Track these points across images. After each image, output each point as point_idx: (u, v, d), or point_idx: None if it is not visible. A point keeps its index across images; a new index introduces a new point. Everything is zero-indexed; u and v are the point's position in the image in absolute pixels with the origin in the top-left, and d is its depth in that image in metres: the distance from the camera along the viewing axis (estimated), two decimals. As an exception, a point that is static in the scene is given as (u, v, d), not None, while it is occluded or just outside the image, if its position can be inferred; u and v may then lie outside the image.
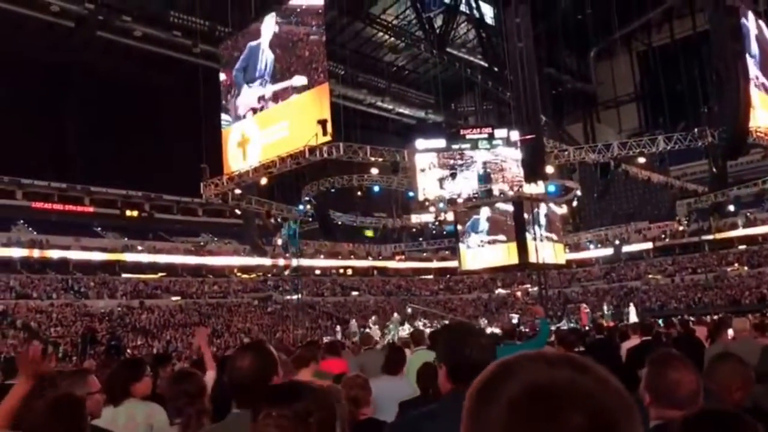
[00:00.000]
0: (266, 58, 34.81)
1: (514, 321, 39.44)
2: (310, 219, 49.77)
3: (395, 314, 43.74)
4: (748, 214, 59.45)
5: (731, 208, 55.49)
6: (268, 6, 35.59)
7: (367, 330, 37.42)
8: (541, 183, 39.27)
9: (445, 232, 57.95)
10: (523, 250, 39.00)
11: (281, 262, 62.22)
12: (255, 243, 53.45)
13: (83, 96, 56.14)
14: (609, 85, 74.63)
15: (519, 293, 62.72)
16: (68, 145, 56.89)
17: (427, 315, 48.17)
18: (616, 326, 19.16)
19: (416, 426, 2.98)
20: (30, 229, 57.15)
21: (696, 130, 36.58)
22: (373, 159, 38.06)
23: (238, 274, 64.51)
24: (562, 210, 46.10)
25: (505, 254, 41.29)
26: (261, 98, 35.14)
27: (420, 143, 44.54)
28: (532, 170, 33.41)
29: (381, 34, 68.14)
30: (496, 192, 42.30)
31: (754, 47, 33.02)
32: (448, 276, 70.94)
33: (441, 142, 45.01)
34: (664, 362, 3.20)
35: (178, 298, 55.88)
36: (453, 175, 41.91)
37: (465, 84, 66.93)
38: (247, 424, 2.22)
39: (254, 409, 2.28)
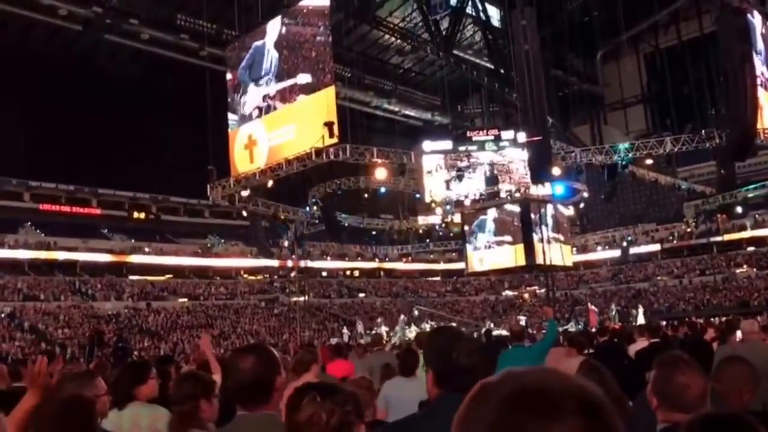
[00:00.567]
0: (271, 57, 34.87)
1: (522, 323, 39.34)
2: (317, 221, 49.74)
3: (402, 316, 43.76)
4: (757, 215, 59.26)
5: (739, 209, 55.32)
6: (275, 9, 35.64)
7: (375, 331, 37.52)
8: (548, 184, 39.25)
9: (451, 234, 57.95)
10: (530, 251, 39.03)
11: (288, 263, 62.22)
12: (262, 245, 53.46)
13: (91, 99, 56.17)
14: (616, 86, 74.58)
15: (527, 295, 62.66)
16: (76, 148, 56.87)
17: (434, 317, 48.17)
18: (623, 328, 19.14)
19: (415, 426, 2.96)
20: (37, 231, 57.22)
21: (703, 131, 36.52)
22: (379, 161, 38.04)
23: (245, 275, 64.55)
24: (569, 211, 46.09)
25: (512, 256, 41.33)
26: (266, 97, 35.18)
27: (427, 145, 44.56)
28: (539, 172, 33.32)
29: (387, 36, 68.14)
30: (503, 193, 42.30)
31: (761, 44, 32.94)
32: (455, 278, 70.86)
33: (448, 144, 45.04)
34: (671, 365, 3.18)
35: (185, 299, 55.93)
36: (460, 177, 41.90)
37: (471, 86, 66.88)
38: (253, 426, 2.23)
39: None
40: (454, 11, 58.70)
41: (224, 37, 48.44)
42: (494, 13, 62.92)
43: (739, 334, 9.67)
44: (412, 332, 36.96)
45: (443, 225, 51.05)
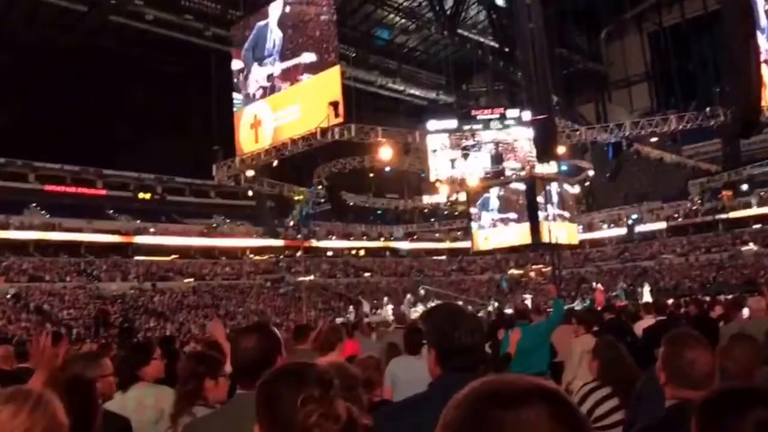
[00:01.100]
0: (274, 37, 34.87)
1: (528, 302, 39.37)
2: (323, 200, 49.75)
3: (408, 295, 43.82)
4: (762, 193, 59.10)
5: (745, 187, 55.23)
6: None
7: (379, 311, 37.57)
8: (553, 163, 39.21)
9: (457, 213, 57.95)
10: (535, 229, 39.03)
11: (294, 243, 62.31)
12: (268, 224, 53.55)
13: (96, 80, 56.11)
14: (620, 65, 74.27)
15: (532, 273, 62.66)
16: (81, 129, 56.83)
17: (440, 296, 48.20)
18: (628, 306, 19.14)
19: (416, 406, 2.95)
20: (42, 212, 57.26)
21: (708, 109, 36.48)
22: (384, 140, 38.02)
23: (251, 255, 64.56)
24: (575, 190, 46.06)
25: (517, 234, 41.35)
26: (270, 76, 35.20)
27: (431, 124, 44.60)
28: (544, 150, 33.30)
29: (392, 15, 67.89)
30: (508, 171, 42.30)
31: (764, 21, 32.84)
32: (460, 257, 70.84)
33: (452, 123, 45.07)
34: (680, 341, 3.18)
35: (191, 280, 55.99)
36: (465, 156, 41.92)
37: (476, 65, 66.73)
38: (251, 405, 2.20)
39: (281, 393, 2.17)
40: (458, -10, 58.49)
41: (229, 17, 48.26)
42: (499, -8, 62.69)
43: (746, 311, 9.65)
44: (417, 311, 37.06)
45: (448, 204, 51.03)
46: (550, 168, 40.32)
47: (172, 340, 9.12)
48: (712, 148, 58.60)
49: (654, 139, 42.81)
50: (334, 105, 30.71)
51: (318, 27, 33.24)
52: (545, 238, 38.93)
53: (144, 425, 4.47)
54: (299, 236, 58.03)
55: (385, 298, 45.00)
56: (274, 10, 34.92)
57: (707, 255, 58.50)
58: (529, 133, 39.21)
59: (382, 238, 72.65)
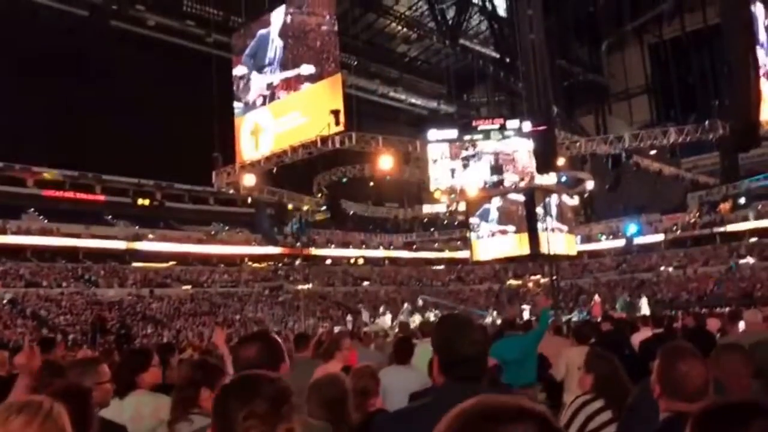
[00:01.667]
0: (276, 46, 34.92)
1: (526, 313, 39.39)
2: (322, 209, 49.76)
3: (405, 304, 43.81)
4: (760, 206, 59.17)
5: (743, 200, 55.32)
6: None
7: (376, 320, 37.54)
8: (552, 174, 39.24)
9: (456, 223, 57.96)
10: (534, 240, 39.00)
11: (292, 251, 62.32)
12: (266, 232, 53.55)
13: (96, 84, 56.12)
14: (621, 77, 74.52)
15: (531, 284, 62.67)
16: (80, 134, 56.83)
17: (438, 306, 48.18)
18: (626, 318, 19.15)
19: (416, 414, 2.96)
20: (41, 217, 57.19)
21: (707, 122, 36.62)
22: (384, 149, 38.06)
23: (249, 263, 64.56)
24: (574, 201, 46.07)
25: (516, 244, 41.34)
26: (270, 85, 35.26)
27: (432, 134, 44.68)
28: (544, 161, 33.28)
29: (394, 25, 68.08)
30: (507, 182, 42.34)
31: (763, 36, 32.95)
32: (459, 266, 70.85)
33: (453, 133, 45.15)
34: (674, 354, 3.20)
35: (189, 287, 55.98)
36: (465, 166, 41.99)
37: (477, 75, 66.90)
38: None
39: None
40: (460, 0, 58.60)
41: (231, 24, 48.44)
42: (500, 3, 62.93)
43: (742, 324, 9.67)
44: (415, 321, 37.03)
45: (448, 213, 51.07)
46: (549, 179, 40.36)
47: (170, 348, 9.07)
48: (711, 161, 58.70)
49: (653, 152, 42.89)
50: (335, 113, 30.74)
51: (319, 37, 33.30)
52: (544, 249, 38.93)
53: (141, 434, 4.47)
54: (298, 244, 58.03)
55: (382, 308, 45.02)
56: (276, 19, 34.97)
57: (705, 267, 58.55)
58: (529, 144, 39.25)
59: (381, 247, 72.64)
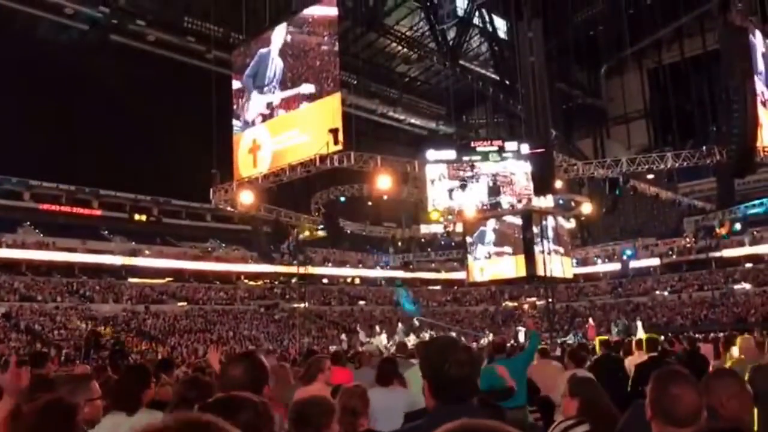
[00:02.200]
0: (276, 65, 34.99)
1: (521, 334, 39.35)
2: (319, 227, 49.71)
3: (399, 324, 43.78)
4: (755, 232, 59.26)
5: (738, 226, 55.40)
6: (283, 14, 35.73)
7: (371, 340, 37.47)
8: (549, 196, 39.33)
9: (453, 243, 57.95)
10: (530, 262, 39.02)
11: (289, 269, 62.24)
12: (263, 250, 53.45)
13: (94, 98, 56.12)
14: (619, 101, 74.78)
15: (526, 306, 62.63)
16: (77, 148, 56.83)
17: (433, 327, 48.14)
18: (622, 342, 19.13)
19: None
20: (36, 231, 57.02)
21: (704, 147, 36.76)
22: (383, 168, 38.11)
23: (245, 280, 64.45)
24: (570, 224, 46.10)
25: (512, 266, 41.34)
26: (269, 105, 35.30)
27: (431, 154, 44.78)
28: (542, 183, 33.40)
29: (394, 44, 68.33)
30: (504, 204, 42.40)
31: (761, 64, 33.10)
32: (455, 287, 70.79)
33: (451, 154, 45.25)
34: (667, 378, 3.20)
35: (184, 303, 55.84)
36: (463, 187, 42.03)
37: (476, 96, 66.98)
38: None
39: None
40: (461, 22, 58.92)
41: (231, 40, 48.46)
42: (501, 25, 63.33)
43: (735, 350, 9.66)
44: (410, 341, 36.95)
45: (445, 234, 51.06)
46: (546, 201, 40.45)
47: (169, 364, 9.04)
48: (707, 186, 58.89)
49: (650, 176, 43.01)
50: (334, 132, 30.77)
51: (319, 57, 33.40)
52: (540, 272, 38.93)
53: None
54: (294, 262, 57.95)
55: (377, 327, 44.96)
56: (277, 39, 35.06)
57: (699, 292, 58.63)
58: (527, 166, 39.38)
59: (378, 267, 72.55)
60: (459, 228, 46.18)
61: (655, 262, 65.42)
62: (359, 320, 57.88)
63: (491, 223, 42.76)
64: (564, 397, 5.13)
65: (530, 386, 9.16)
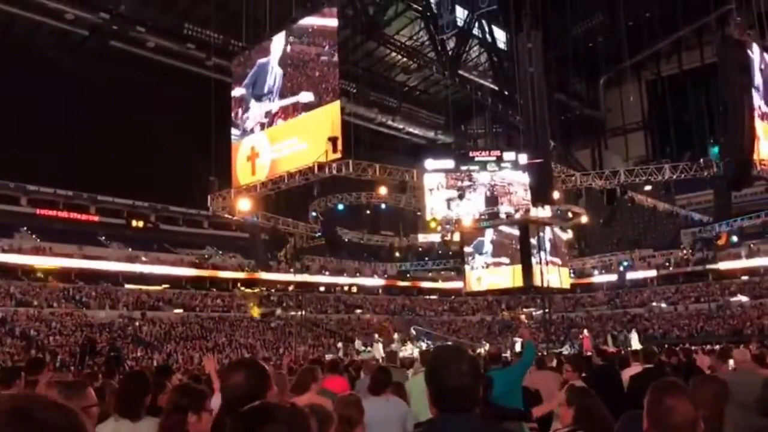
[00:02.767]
0: (275, 75, 35.00)
1: (518, 345, 39.35)
2: (317, 235, 49.69)
3: (395, 334, 43.73)
4: (752, 245, 59.34)
5: (734, 238, 55.53)
6: (283, 22, 35.74)
7: (369, 348, 37.48)
8: (547, 207, 39.35)
9: (450, 253, 57.97)
10: (528, 273, 39.06)
11: (285, 277, 62.21)
12: (260, 258, 53.44)
13: (93, 104, 56.11)
14: (617, 112, 75.06)
15: (523, 316, 62.61)
16: (76, 153, 56.82)
17: (430, 336, 48.10)
18: (619, 353, 19.17)
19: None
20: (33, 236, 56.94)
21: (702, 160, 36.91)
22: (381, 177, 38.16)
23: (242, 288, 64.36)
24: (568, 235, 46.14)
25: (510, 277, 41.37)
26: (268, 113, 35.29)
27: (429, 163, 44.82)
28: (540, 194, 33.41)
29: (394, 54, 68.43)
30: (502, 215, 42.43)
31: (758, 79, 33.17)
32: (452, 297, 70.77)
33: (450, 163, 45.31)
34: (663, 389, 3.22)
35: (181, 310, 55.74)
36: (461, 196, 42.08)
37: (475, 106, 67.06)
38: None
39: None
40: (460, 32, 58.94)
41: (231, 48, 48.42)
42: (500, 36, 63.51)
43: (731, 362, 9.68)
44: (406, 350, 36.93)
45: (443, 243, 51.07)
46: (544, 212, 40.49)
47: (167, 371, 9.02)
48: (705, 198, 59.05)
49: (648, 188, 43.09)
50: (333, 140, 30.77)
51: (318, 67, 33.41)
52: (537, 282, 38.96)
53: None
54: (291, 270, 57.91)
55: (376, 335, 44.91)
56: (276, 48, 35.06)
57: (696, 304, 58.68)
58: (524, 177, 39.42)
59: (375, 275, 72.54)
60: (456, 237, 46.20)
61: (652, 273, 65.46)
62: (356, 329, 57.86)
63: (489, 233, 42.81)
64: (561, 406, 5.16)
65: (529, 396, 9.17)
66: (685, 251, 63.57)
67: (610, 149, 76.51)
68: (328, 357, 28.36)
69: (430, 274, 73.08)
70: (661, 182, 41.05)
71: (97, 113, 56.12)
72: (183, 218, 69.08)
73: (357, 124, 52.83)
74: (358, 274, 71.89)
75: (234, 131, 37.64)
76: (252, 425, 2.13)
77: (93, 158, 56.45)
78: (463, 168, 44.45)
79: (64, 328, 46.64)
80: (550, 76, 44.46)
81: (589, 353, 23.17)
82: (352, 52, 56.08)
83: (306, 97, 33.26)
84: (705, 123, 57.55)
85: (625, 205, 50.25)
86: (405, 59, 69.04)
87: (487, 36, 63.44)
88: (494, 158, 44.62)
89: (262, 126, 35.71)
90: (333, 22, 33.25)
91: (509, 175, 43.79)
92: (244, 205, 37.13)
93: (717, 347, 20.64)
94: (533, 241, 39.40)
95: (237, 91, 37.85)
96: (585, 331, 46.13)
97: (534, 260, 39.05)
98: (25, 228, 57.53)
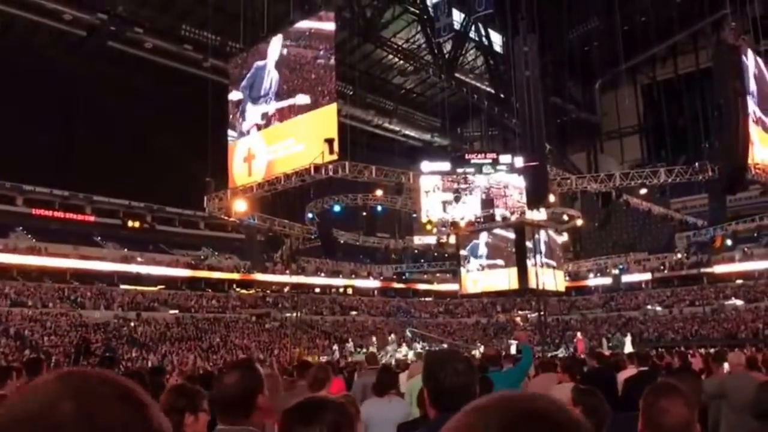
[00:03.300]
0: (272, 77, 34.99)
1: (513, 348, 39.40)
2: (313, 236, 49.71)
3: (391, 336, 43.78)
4: (746, 248, 59.48)
5: (729, 242, 55.67)
6: (280, 25, 35.77)
7: (372, 350, 37.53)
8: (543, 210, 39.45)
9: (446, 255, 58.02)
10: (523, 275, 39.11)
11: (281, 278, 62.23)
12: (256, 259, 53.41)
13: (90, 104, 56.14)
14: (613, 116, 75.14)
15: (518, 319, 62.67)
16: (73, 153, 56.83)
17: (426, 338, 48.17)
18: (613, 355, 19.28)
19: None
20: (29, 236, 56.81)
21: (697, 164, 36.97)
22: (378, 179, 38.23)
23: (237, 289, 64.32)
24: (563, 237, 46.23)
25: (505, 279, 41.40)
26: (264, 115, 35.29)
27: (425, 166, 44.89)
28: (535, 197, 33.47)
29: (391, 56, 68.48)
30: (497, 217, 42.50)
31: (753, 85, 33.25)
32: (448, 299, 70.78)
33: (446, 166, 45.36)
34: (658, 391, 3.29)
35: (176, 311, 55.68)
36: (457, 199, 42.16)
37: (471, 109, 67.10)
38: None
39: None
40: (457, 35, 59.03)
41: (228, 49, 48.40)
42: (497, 39, 63.62)
43: (726, 366, 9.76)
44: (401, 352, 37.02)
45: (438, 246, 51.12)
46: (539, 215, 40.59)
47: (161, 371, 9.09)
48: (699, 202, 59.20)
49: (643, 191, 43.18)
50: (330, 142, 30.81)
51: (314, 70, 33.40)
52: (532, 284, 39.03)
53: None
54: (287, 272, 57.90)
55: (374, 338, 45.00)
56: (273, 51, 35.05)
57: (690, 308, 58.76)
58: (520, 179, 39.50)
59: (371, 277, 72.54)
60: (452, 240, 46.27)
61: (647, 276, 65.56)
62: (351, 331, 57.87)
63: (484, 236, 42.86)
64: (567, 405, 5.21)
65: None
66: (679, 255, 63.73)
67: (605, 153, 76.65)
68: (324, 359, 28.44)
69: (425, 276, 73.15)
70: (656, 186, 41.16)
71: (94, 113, 56.15)
72: (179, 219, 69.06)
73: (353, 126, 52.75)
74: (353, 276, 71.90)
75: (230, 132, 37.62)
76: (309, 416, 2.32)
77: (89, 158, 56.38)
78: (459, 170, 44.48)
79: (59, 328, 46.50)
80: (546, 80, 44.62)
81: (582, 356, 23.24)
82: (348, 54, 56.10)
83: (302, 99, 33.27)
84: (700, 127, 57.71)
85: (620, 209, 50.28)
86: (402, 62, 69.07)
87: (484, 39, 63.57)
88: (490, 161, 44.65)
89: (259, 127, 35.71)
90: (330, 26, 33.26)
91: (505, 178, 43.86)
92: (240, 206, 37.12)
93: (711, 350, 20.75)
94: (529, 243, 39.45)
95: (234, 94, 37.85)
96: (579, 333, 46.24)
97: (529, 263, 39.13)
98: (20, 228, 57.35)
